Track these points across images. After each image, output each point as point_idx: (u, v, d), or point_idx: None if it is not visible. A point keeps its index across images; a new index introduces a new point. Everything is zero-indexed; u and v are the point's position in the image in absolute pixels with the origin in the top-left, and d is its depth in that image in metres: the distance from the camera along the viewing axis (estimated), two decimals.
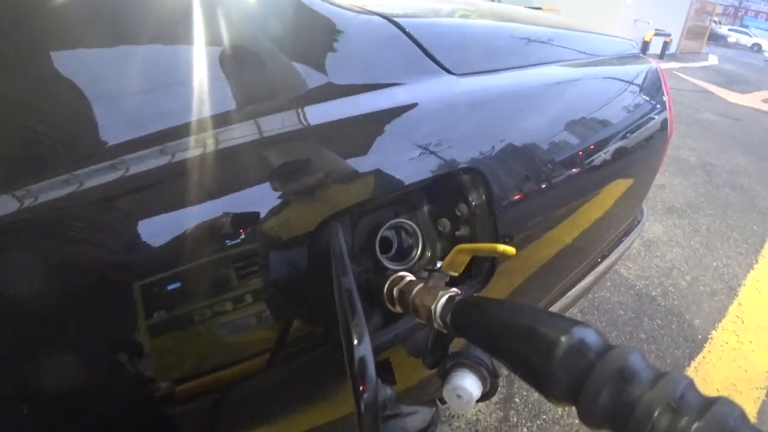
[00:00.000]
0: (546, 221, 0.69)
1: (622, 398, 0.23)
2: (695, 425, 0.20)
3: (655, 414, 0.21)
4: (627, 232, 1.16)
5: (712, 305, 2.01)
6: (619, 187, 0.92)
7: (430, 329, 0.55)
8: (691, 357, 1.70)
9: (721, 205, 3.00)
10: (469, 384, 0.51)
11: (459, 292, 0.37)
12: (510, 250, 0.35)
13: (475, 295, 0.36)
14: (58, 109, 0.36)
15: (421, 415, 0.29)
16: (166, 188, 0.36)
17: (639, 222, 1.24)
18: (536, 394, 1.54)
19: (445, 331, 0.36)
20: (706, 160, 3.80)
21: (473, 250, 0.38)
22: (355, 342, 0.28)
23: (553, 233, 0.74)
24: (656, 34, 8.80)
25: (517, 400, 1.52)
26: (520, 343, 0.29)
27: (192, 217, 0.37)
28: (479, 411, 1.47)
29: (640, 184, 1.02)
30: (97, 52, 0.37)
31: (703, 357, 1.70)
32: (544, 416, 1.47)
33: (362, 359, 0.27)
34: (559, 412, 1.50)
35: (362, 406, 0.26)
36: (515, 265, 0.67)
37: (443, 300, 0.36)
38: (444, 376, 0.54)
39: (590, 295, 1.96)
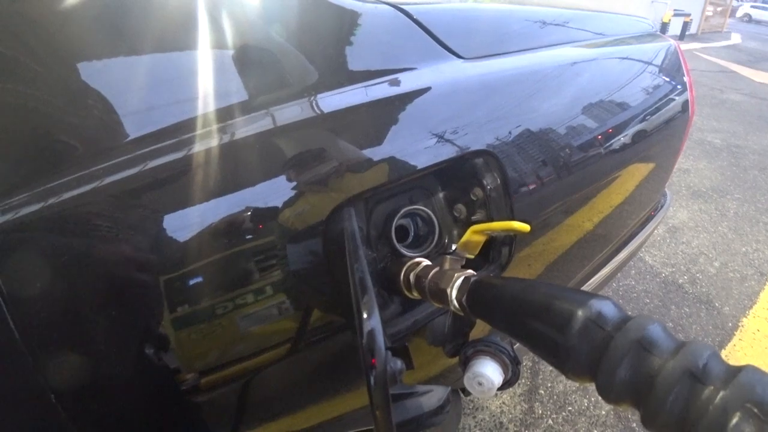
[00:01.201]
0: (564, 206, 0.68)
1: (642, 370, 0.22)
2: (721, 394, 0.19)
3: (678, 384, 0.20)
4: (649, 217, 1.13)
5: (742, 291, 1.94)
6: (639, 170, 0.89)
7: (450, 317, 0.55)
8: (722, 345, 1.64)
9: (749, 188, 2.88)
10: (490, 371, 0.51)
11: (474, 273, 0.37)
12: (524, 226, 0.35)
13: (489, 275, 0.36)
14: (73, 105, 0.37)
15: (436, 393, 0.29)
16: (181, 181, 0.37)
17: (662, 206, 1.20)
18: (561, 386, 1.52)
19: (462, 313, 0.36)
20: (731, 142, 3.67)
21: (488, 229, 0.38)
22: (365, 316, 0.29)
23: (572, 219, 0.72)
24: (675, 14, 8.50)
25: (542, 391, 1.50)
26: (536, 319, 0.28)
27: (207, 209, 0.37)
28: (503, 403, 1.46)
29: (662, 168, 0.99)
30: (111, 49, 0.38)
31: (734, 345, 1.65)
32: (570, 408, 1.45)
33: (371, 332, 0.27)
34: (585, 404, 1.48)
35: (371, 379, 0.26)
36: (535, 252, 0.66)
37: (459, 282, 0.36)
38: (465, 364, 0.53)
39: (614, 284, 1.92)
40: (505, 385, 0.54)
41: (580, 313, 0.25)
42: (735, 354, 1.61)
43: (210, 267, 0.38)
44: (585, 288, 0.92)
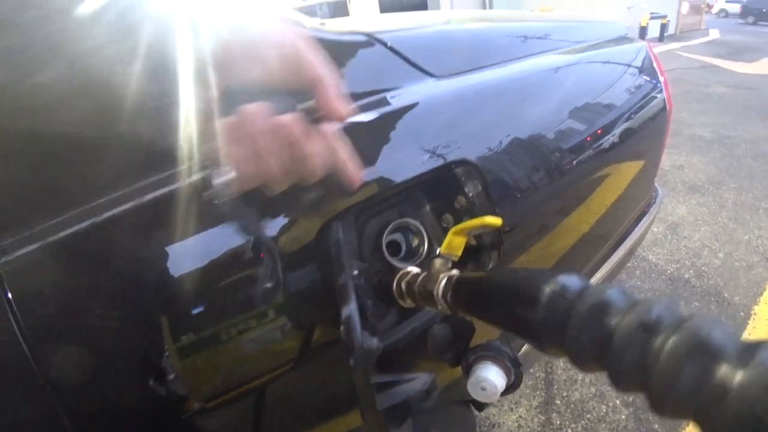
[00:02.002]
0: (551, 209, 0.69)
1: (600, 331, 0.23)
2: (671, 340, 0.20)
3: (632, 338, 0.21)
4: (642, 214, 1.14)
5: (750, 279, 1.93)
6: (625, 168, 0.91)
7: (448, 325, 0.56)
8: None
9: (745, 176, 2.90)
10: (492, 375, 0.51)
11: (458, 272, 0.39)
12: (496, 220, 0.37)
13: (471, 272, 0.38)
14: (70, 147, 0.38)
15: (421, 379, 0.30)
16: (174, 211, 0.39)
17: (654, 202, 1.22)
18: (577, 393, 1.50)
19: (450, 312, 0.37)
20: (722, 134, 3.71)
21: (464, 228, 0.40)
22: (343, 305, 0.30)
23: (562, 222, 0.74)
24: (652, 18, 8.74)
25: (558, 401, 1.48)
26: (511, 302, 0.29)
27: (203, 235, 0.39)
28: (520, 417, 1.44)
29: (648, 164, 1.01)
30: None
31: (749, 334, 1.63)
32: (588, 416, 1.42)
33: (348, 317, 0.29)
34: (604, 410, 1.45)
35: (351, 360, 0.27)
36: (530, 257, 0.68)
37: (443, 281, 0.38)
38: (467, 370, 0.54)
39: (620, 286, 1.91)
40: (509, 388, 0.55)
41: (546, 287, 0.27)
42: None
43: (208, 292, 0.40)
44: None
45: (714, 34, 10.98)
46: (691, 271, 2.01)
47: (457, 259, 0.42)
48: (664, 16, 9.28)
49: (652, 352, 0.20)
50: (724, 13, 17.18)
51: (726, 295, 1.86)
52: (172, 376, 0.39)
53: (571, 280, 0.26)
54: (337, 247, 0.37)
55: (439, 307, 0.38)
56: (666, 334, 0.20)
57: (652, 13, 8.78)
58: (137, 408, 0.40)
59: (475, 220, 0.38)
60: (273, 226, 0.42)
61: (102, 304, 0.37)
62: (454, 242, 0.41)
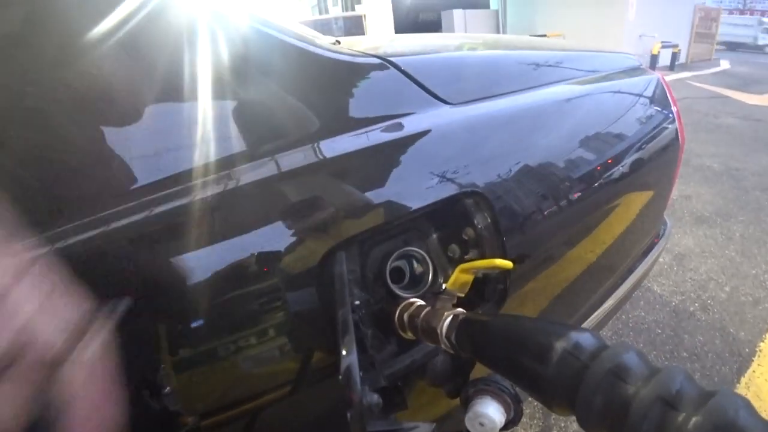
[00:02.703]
0: (560, 240, 0.69)
1: (616, 398, 0.22)
2: (693, 420, 0.19)
3: (651, 412, 0.20)
4: (650, 247, 1.13)
5: (756, 315, 1.89)
6: (635, 200, 0.90)
7: (448, 356, 0.54)
8: (740, 372, 1.58)
9: (753, 209, 2.87)
10: (491, 411, 0.50)
11: (463, 311, 0.38)
12: (506, 263, 0.36)
13: (478, 312, 0.36)
14: (73, 152, 0.38)
15: (422, 429, 0.28)
16: (177, 230, 0.39)
17: (662, 234, 1.21)
18: (575, 424, 1.46)
19: (452, 351, 0.36)
20: (731, 165, 3.69)
21: (473, 268, 0.39)
22: (344, 353, 0.30)
23: (571, 253, 0.73)
24: (663, 47, 8.80)
25: (556, 431, 1.44)
26: (518, 353, 0.29)
27: (203, 255, 0.39)
28: None
29: (657, 197, 1.00)
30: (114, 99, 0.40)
31: (753, 371, 1.59)
32: None
33: (348, 368, 0.28)
34: None
35: (348, 414, 0.27)
36: (535, 287, 0.66)
37: (448, 320, 0.37)
38: (466, 404, 0.53)
39: (624, 316, 1.88)
40: (508, 424, 0.53)
41: (558, 344, 0.26)
42: (755, 380, 1.55)
43: (208, 312, 0.39)
44: (589, 321, 0.91)
45: (725, 64, 11.03)
46: (696, 304, 1.97)
47: (463, 296, 0.41)
48: (676, 45, 9.33)
49: (672, 430, 0.19)
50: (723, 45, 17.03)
51: (731, 330, 1.82)
52: (166, 391, 0.38)
53: (584, 339, 0.25)
54: (341, 281, 0.36)
55: (442, 345, 0.37)
56: (688, 412, 0.19)
57: (663, 42, 8.84)
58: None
59: (485, 262, 0.38)
60: (277, 246, 0.42)
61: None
62: (461, 279, 0.40)
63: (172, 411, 0.39)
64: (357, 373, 0.28)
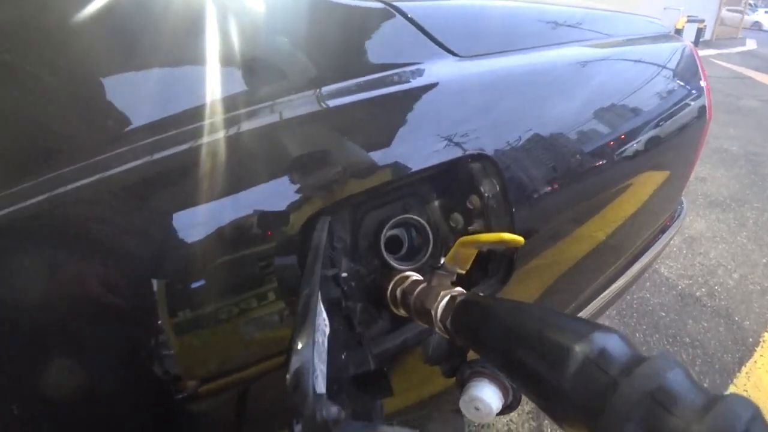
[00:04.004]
0: (572, 215, 0.63)
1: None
2: None
3: None
4: (665, 228, 1.07)
5: (763, 305, 1.85)
6: (653, 178, 0.84)
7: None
8: (742, 362, 1.56)
9: None
10: (487, 395, 0.46)
11: (463, 291, 0.33)
12: (517, 239, 0.30)
13: (479, 294, 0.31)
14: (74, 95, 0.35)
15: None
16: (165, 182, 0.35)
17: (678, 216, 1.14)
18: None
19: (447, 336, 0.32)
20: (749, 150, 3.56)
21: (477, 242, 0.33)
22: (298, 346, 0.22)
23: (581, 230, 0.68)
24: (689, 21, 8.38)
25: None
26: (526, 351, 0.23)
27: (192, 209, 0.35)
28: (510, 421, 1.40)
29: (677, 176, 0.93)
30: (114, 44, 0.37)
31: (755, 362, 1.56)
32: None
33: (298, 370, 0.20)
34: None
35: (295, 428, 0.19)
36: (542, 264, 0.62)
37: (444, 301, 0.32)
38: (462, 386, 0.49)
39: (628, 297, 1.85)
40: (506, 409, 0.50)
41: (578, 349, 0.20)
42: (756, 371, 1.53)
43: (192, 271, 0.35)
44: (597, 301, 0.87)
45: (751, 44, 10.54)
46: (703, 289, 1.93)
47: (463, 272, 0.36)
48: (702, 20, 8.89)
49: None
50: (757, 27, 16.18)
51: (736, 318, 1.78)
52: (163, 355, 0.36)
53: (613, 344, 0.19)
54: (315, 252, 0.30)
55: (437, 329, 0.32)
56: None
57: (689, 16, 8.41)
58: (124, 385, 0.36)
59: (491, 236, 0.32)
60: (258, 206, 0.37)
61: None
62: (462, 255, 0.35)
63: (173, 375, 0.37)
64: (311, 377, 0.20)
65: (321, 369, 0.22)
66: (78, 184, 0.32)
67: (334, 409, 0.19)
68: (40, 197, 0.31)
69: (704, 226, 2.42)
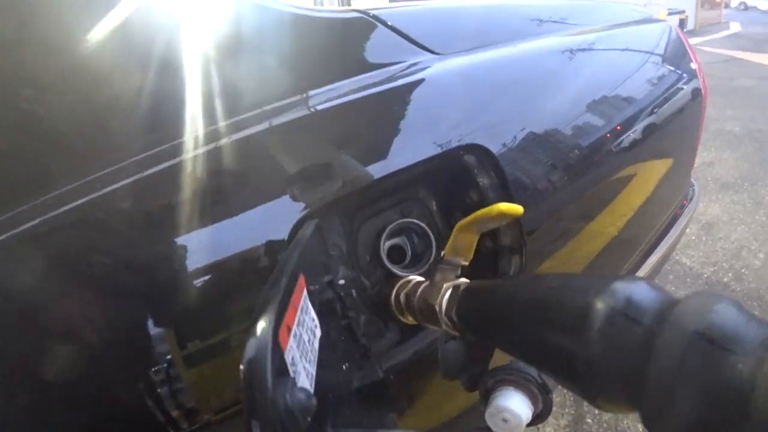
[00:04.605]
0: (578, 210, 0.61)
1: (718, 383, 0.13)
2: None
3: None
4: (677, 215, 1.03)
5: None
6: (657, 165, 0.82)
7: (461, 342, 0.47)
8: None
9: None
10: (516, 405, 0.43)
11: (466, 281, 0.30)
12: (516, 207, 0.27)
13: (482, 280, 0.28)
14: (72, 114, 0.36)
15: None
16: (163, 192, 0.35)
17: (691, 199, 1.11)
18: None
19: (455, 332, 0.29)
20: (752, 128, 3.51)
21: (473, 222, 0.30)
22: (257, 330, 0.18)
23: (592, 226, 0.65)
24: (670, 14, 8.50)
25: (590, 420, 1.36)
26: (542, 324, 0.20)
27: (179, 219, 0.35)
28: None
29: (681, 161, 0.91)
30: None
31: None
32: None
33: (256, 358, 0.16)
34: (641, 429, 1.32)
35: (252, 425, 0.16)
36: (555, 265, 0.59)
37: (447, 293, 0.29)
38: (486, 397, 0.46)
39: None
40: (536, 419, 0.46)
41: (599, 304, 0.17)
42: None
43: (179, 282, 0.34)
44: None
45: (735, 27, 10.62)
46: (729, 274, 1.86)
47: (466, 263, 0.33)
48: (682, 11, 9.02)
49: None
50: (744, 6, 16.46)
51: None
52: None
53: (640, 291, 0.16)
54: (295, 246, 0.27)
55: (443, 326, 0.29)
56: None
57: (669, 9, 8.55)
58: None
59: (486, 210, 0.29)
60: (249, 210, 0.36)
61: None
62: (462, 241, 0.32)
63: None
64: (268, 363, 0.16)
65: (307, 368, 0.20)
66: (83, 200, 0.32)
67: (301, 395, 0.16)
68: (35, 220, 0.31)
69: (720, 210, 2.36)
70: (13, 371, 0.30)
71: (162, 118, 0.38)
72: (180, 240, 0.34)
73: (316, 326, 0.24)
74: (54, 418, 0.31)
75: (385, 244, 0.46)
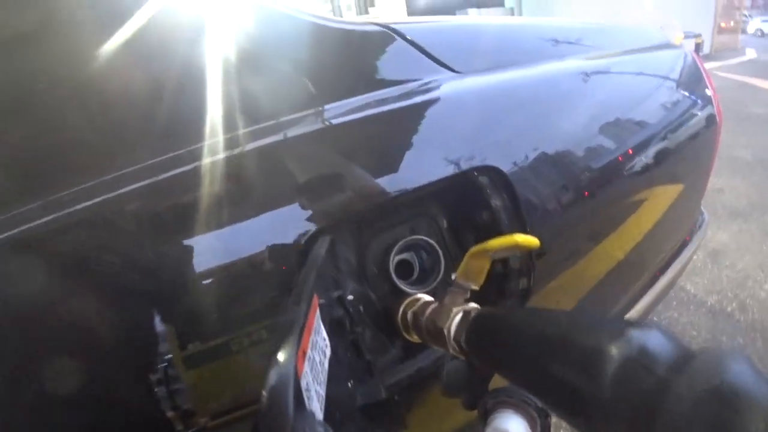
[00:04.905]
0: (589, 231, 0.61)
1: None
2: None
3: None
4: (686, 242, 1.03)
5: None
6: (668, 191, 0.81)
7: (464, 360, 0.47)
8: None
9: None
10: (514, 427, 0.42)
11: (477, 306, 0.30)
12: (531, 240, 0.27)
13: (494, 308, 0.28)
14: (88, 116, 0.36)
15: None
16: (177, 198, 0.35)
17: (700, 227, 1.10)
18: None
19: (463, 357, 0.29)
20: (764, 156, 3.48)
21: (487, 249, 0.31)
22: (278, 358, 0.18)
23: (600, 248, 0.65)
24: (686, 37, 8.48)
25: None
26: (553, 361, 0.20)
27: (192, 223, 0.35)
28: None
29: (693, 187, 0.90)
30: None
31: None
32: None
33: (278, 386, 0.17)
34: None
35: None
36: (561, 285, 0.59)
37: (457, 318, 0.29)
38: (484, 417, 0.45)
39: (656, 317, 1.76)
40: None
41: (615, 350, 0.18)
42: None
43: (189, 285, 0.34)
44: None
45: (751, 53, 10.57)
46: (734, 304, 1.83)
47: (477, 287, 0.33)
48: (699, 35, 9.00)
49: None
50: (760, 33, 16.41)
51: None
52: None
53: (655, 340, 0.17)
54: (312, 264, 0.28)
55: (451, 350, 0.29)
56: None
57: (685, 32, 8.53)
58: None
59: (502, 239, 0.29)
60: (262, 222, 0.36)
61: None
62: (474, 267, 0.32)
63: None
64: (290, 396, 0.17)
65: (318, 391, 0.20)
66: (90, 203, 0.33)
67: (320, 429, 0.16)
68: (46, 218, 0.31)
69: (727, 238, 2.34)
70: (22, 369, 0.30)
71: (181, 123, 0.38)
72: (193, 244, 0.34)
73: (326, 346, 0.24)
74: (64, 418, 0.32)
75: (394, 259, 0.46)
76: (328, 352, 0.24)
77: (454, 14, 10.42)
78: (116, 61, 0.36)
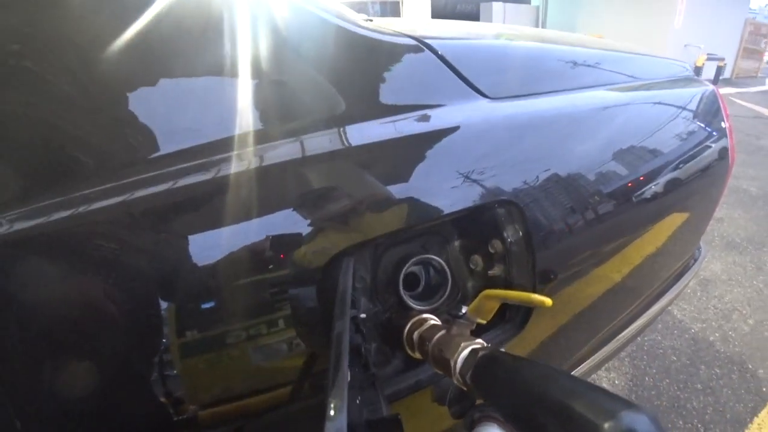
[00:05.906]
0: (592, 259, 0.62)
1: None
2: None
3: None
4: (683, 271, 1.05)
5: None
6: (673, 221, 0.83)
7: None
8: (754, 412, 1.50)
9: None
10: None
11: (484, 344, 0.32)
12: (546, 300, 0.30)
13: (503, 350, 0.30)
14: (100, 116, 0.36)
15: None
16: (192, 206, 0.35)
17: (696, 260, 1.12)
18: None
19: (465, 389, 0.31)
20: None
21: (502, 298, 0.33)
22: (331, 412, 0.21)
23: (600, 271, 0.66)
24: (709, 59, 8.37)
25: None
26: (550, 420, 0.23)
27: (211, 235, 0.35)
28: None
29: (698, 219, 0.92)
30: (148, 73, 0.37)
31: None
32: None
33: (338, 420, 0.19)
34: None
35: None
36: (559, 303, 0.61)
37: (465, 353, 0.31)
38: (469, 429, 0.48)
39: (639, 338, 1.80)
40: None
41: (606, 426, 0.20)
42: None
43: (204, 295, 0.35)
44: (613, 343, 0.85)
45: None
46: (717, 334, 1.87)
47: (484, 322, 0.35)
48: (722, 59, 8.88)
49: None
50: None
51: (750, 366, 1.72)
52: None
53: (641, 425, 0.19)
54: (342, 299, 0.30)
55: (455, 381, 0.31)
56: None
57: (709, 54, 8.42)
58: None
59: (519, 295, 0.31)
60: (282, 239, 0.37)
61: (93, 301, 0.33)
62: (486, 306, 0.34)
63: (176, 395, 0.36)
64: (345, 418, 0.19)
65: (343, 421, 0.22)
66: (99, 204, 0.33)
67: None
68: (60, 215, 0.31)
69: (720, 268, 2.37)
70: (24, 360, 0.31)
71: (202, 133, 0.38)
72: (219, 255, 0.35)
73: (347, 372, 0.26)
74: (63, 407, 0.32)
75: (403, 274, 0.47)
76: (348, 377, 0.26)
77: (478, 8, 10.22)
78: (136, 62, 0.36)
